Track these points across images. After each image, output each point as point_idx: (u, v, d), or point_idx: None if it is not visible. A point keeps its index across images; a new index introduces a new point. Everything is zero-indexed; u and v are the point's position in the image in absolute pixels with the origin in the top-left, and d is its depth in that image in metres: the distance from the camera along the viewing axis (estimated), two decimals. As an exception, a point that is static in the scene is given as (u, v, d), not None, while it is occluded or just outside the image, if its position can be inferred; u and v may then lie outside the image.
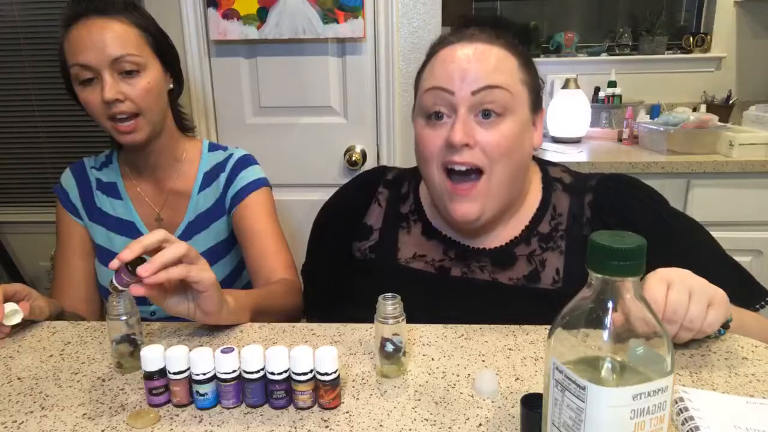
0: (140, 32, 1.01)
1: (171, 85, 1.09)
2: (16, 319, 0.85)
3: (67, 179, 1.15)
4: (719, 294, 0.69)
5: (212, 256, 1.12)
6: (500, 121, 0.80)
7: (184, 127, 1.17)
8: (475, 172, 0.82)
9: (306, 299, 1.07)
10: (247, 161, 1.15)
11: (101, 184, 1.15)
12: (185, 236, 1.11)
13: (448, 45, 0.83)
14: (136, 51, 0.98)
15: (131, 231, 1.12)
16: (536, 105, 0.86)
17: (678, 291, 0.67)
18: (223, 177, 1.13)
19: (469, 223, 0.84)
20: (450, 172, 0.83)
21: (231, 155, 1.16)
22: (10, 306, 0.84)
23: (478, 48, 0.81)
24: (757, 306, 0.84)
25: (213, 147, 1.18)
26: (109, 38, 0.96)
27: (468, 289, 0.88)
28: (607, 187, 0.91)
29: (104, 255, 1.11)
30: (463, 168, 0.81)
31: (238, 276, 1.18)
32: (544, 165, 0.96)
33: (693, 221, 0.91)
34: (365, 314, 0.76)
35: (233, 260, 1.16)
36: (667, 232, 0.87)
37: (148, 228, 1.12)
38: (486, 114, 0.80)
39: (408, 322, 0.72)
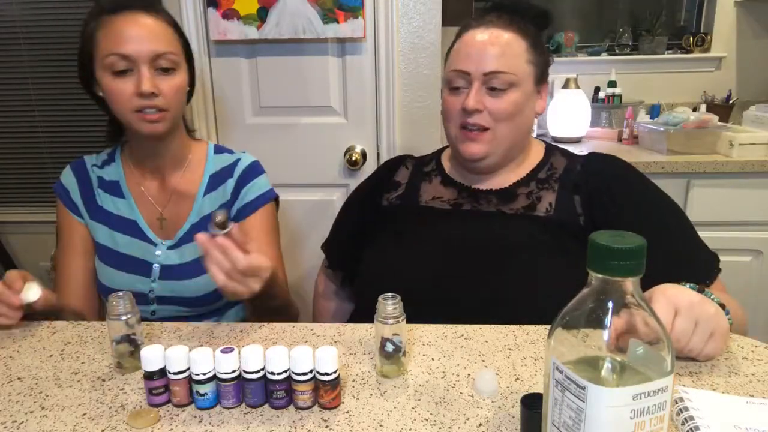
0: (176, 33, 1.06)
1: (188, 87, 1.11)
2: (34, 296, 0.87)
3: (68, 177, 1.15)
4: (723, 326, 0.72)
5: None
6: (505, 93, 1.01)
7: (187, 128, 1.18)
8: (484, 130, 1.02)
9: (329, 248, 1.25)
10: (255, 171, 1.16)
11: (103, 182, 1.14)
12: (188, 238, 1.11)
13: (471, 29, 1.04)
14: (174, 50, 1.03)
15: (133, 230, 1.12)
16: (541, 78, 1.06)
17: (685, 320, 0.69)
18: (230, 183, 1.13)
19: (477, 161, 1.04)
20: (464, 127, 1.04)
21: (238, 160, 1.16)
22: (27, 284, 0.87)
23: (492, 34, 1.01)
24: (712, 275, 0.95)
25: (218, 149, 1.18)
26: (154, 34, 1.01)
27: (477, 217, 1.06)
28: (598, 155, 1.12)
29: (106, 254, 1.11)
30: (475, 128, 1.02)
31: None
32: (548, 143, 1.16)
33: (670, 199, 1.03)
34: (381, 256, 1.05)
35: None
36: (649, 204, 1.01)
37: (150, 227, 1.12)
38: (493, 88, 1.01)
39: (424, 252, 0.97)
